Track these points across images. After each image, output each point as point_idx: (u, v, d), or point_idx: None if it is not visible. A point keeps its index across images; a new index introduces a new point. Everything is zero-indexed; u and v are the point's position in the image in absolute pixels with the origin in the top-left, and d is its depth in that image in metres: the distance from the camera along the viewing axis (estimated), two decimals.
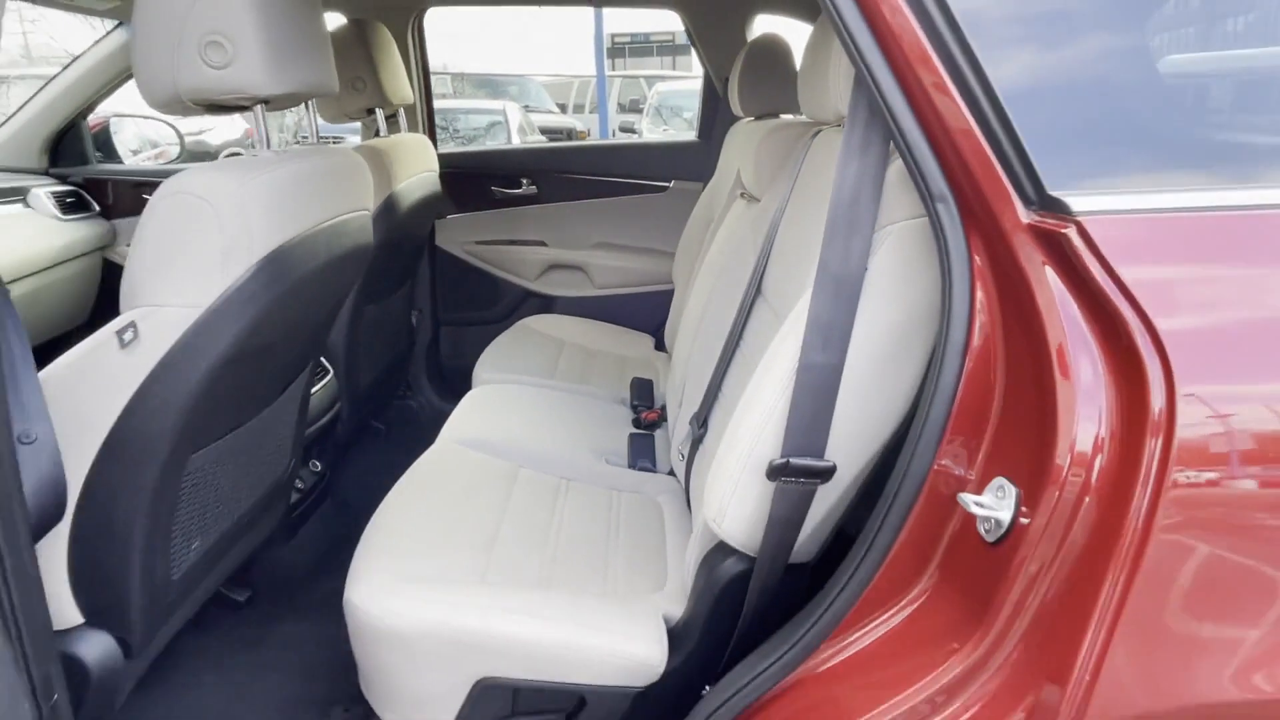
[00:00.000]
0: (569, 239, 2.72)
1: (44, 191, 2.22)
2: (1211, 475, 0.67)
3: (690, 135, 2.80)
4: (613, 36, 13.73)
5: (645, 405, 1.99)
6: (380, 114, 2.13)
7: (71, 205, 2.30)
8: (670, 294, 2.45)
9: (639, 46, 14.82)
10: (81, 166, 2.43)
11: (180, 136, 2.89)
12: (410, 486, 1.42)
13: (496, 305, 2.77)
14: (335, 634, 1.35)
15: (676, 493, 1.56)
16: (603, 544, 1.35)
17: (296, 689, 1.54)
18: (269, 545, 1.65)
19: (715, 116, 2.62)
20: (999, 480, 0.75)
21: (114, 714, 1.17)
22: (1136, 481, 0.66)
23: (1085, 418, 0.68)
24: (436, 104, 2.70)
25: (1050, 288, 0.70)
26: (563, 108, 11.93)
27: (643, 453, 1.70)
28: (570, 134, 9.76)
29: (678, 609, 1.15)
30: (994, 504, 0.75)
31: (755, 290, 1.37)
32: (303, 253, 1.12)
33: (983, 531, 0.77)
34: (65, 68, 2.28)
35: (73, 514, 1.02)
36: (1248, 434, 0.67)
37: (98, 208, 2.40)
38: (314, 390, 1.74)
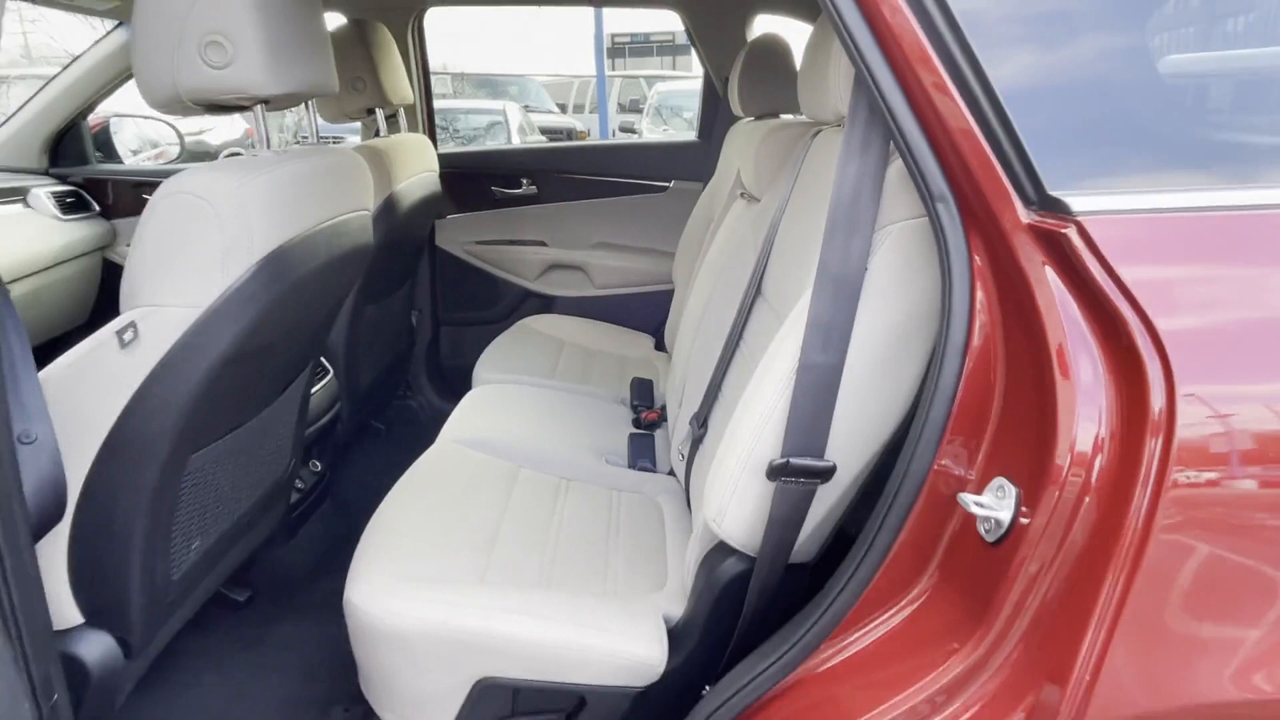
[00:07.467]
0: (569, 239, 2.72)
1: (44, 191, 2.22)
2: (1211, 475, 0.67)
3: (690, 135, 2.80)
4: (613, 36, 13.72)
5: (645, 405, 1.99)
6: (380, 114, 2.13)
7: (71, 205, 2.30)
8: (670, 294, 2.45)
9: (639, 46, 14.81)
10: (81, 166, 2.43)
11: (180, 136, 2.89)
12: (410, 486, 1.42)
13: (496, 305, 2.77)
14: (335, 634, 1.35)
15: (676, 493, 1.56)
16: (603, 544, 1.35)
17: (296, 689, 1.54)
18: (269, 545, 1.65)
19: (715, 116, 2.62)
20: (999, 480, 0.75)
21: (114, 714, 1.17)
22: (1136, 481, 0.66)
23: (1085, 418, 0.68)
24: (436, 104, 2.70)
25: (1050, 288, 0.70)
26: (563, 108, 11.93)
27: (643, 453, 1.70)
28: (570, 134, 9.76)
29: (678, 609, 1.15)
30: (994, 504, 0.75)
31: (755, 290, 1.37)
32: (303, 253, 1.12)
33: (983, 531, 0.77)
34: (65, 68, 2.28)
35: (73, 514, 1.02)
36: (1248, 434, 0.67)
37: (98, 208, 2.40)
38: (314, 390, 1.74)
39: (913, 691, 0.79)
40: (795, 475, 0.92)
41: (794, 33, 2.21)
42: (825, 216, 0.89)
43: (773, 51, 1.98)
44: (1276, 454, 0.67)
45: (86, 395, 1.00)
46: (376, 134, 2.16)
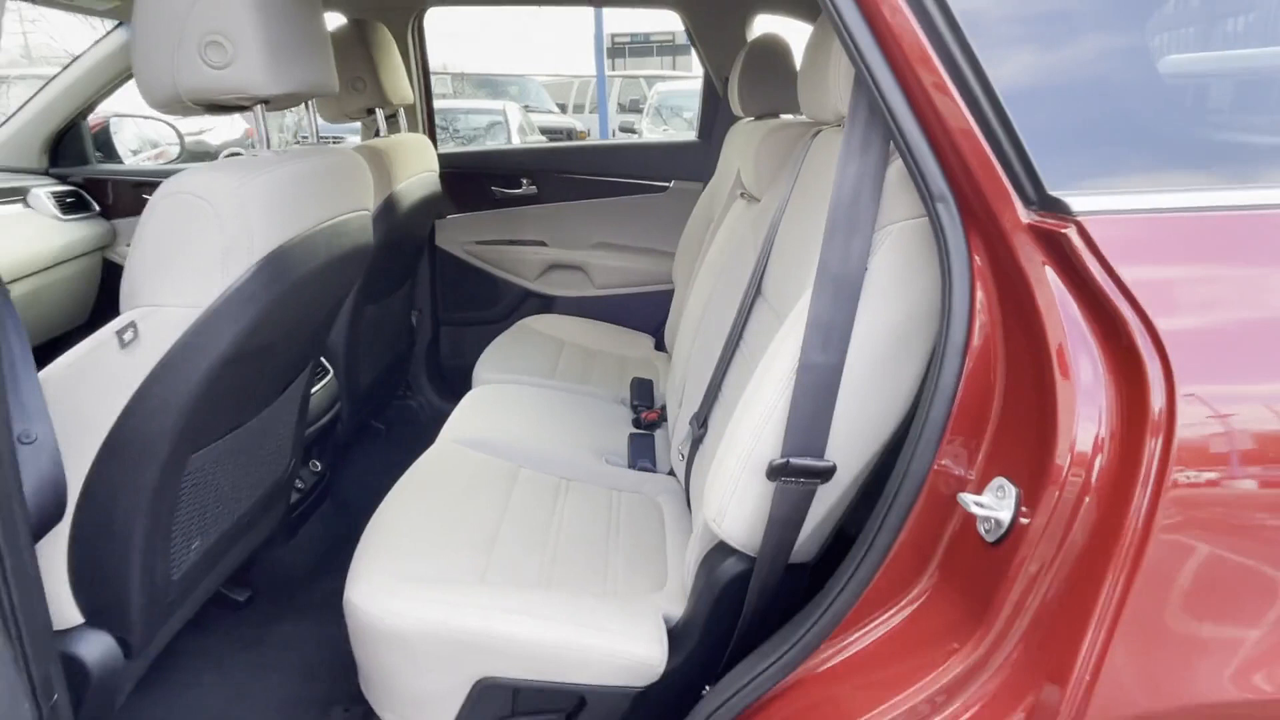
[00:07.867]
0: (569, 239, 2.72)
1: (44, 191, 2.22)
2: (1211, 475, 0.67)
3: (690, 135, 2.80)
4: (613, 36, 13.72)
5: (645, 405, 1.99)
6: (380, 114, 2.13)
7: (71, 205, 2.30)
8: (670, 294, 2.45)
9: (639, 46, 14.81)
10: (81, 166, 2.43)
11: (180, 136, 2.89)
12: (410, 486, 1.42)
13: (496, 305, 2.77)
14: (335, 634, 1.35)
15: (676, 493, 1.56)
16: (603, 544, 1.35)
17: (296, 689, 1.54)
18: (269, 545, 1.65)
19: (715, 116, 2.62)
20: (999, 480, 0.75)
21: (114, 714, 1.17)
22: (1136, 481, 0.66)
23: (1085, 418, 0.68)
24: (436, 104, 2.70)
25: (1050, 288, 0.70)
26: (563, 108, 11.93)
27: (643, 453, 1.70)
28: (570, 134, 9.76)
29: (678, 609, 1.15)
30: (994, 504, 0.75)
31: (755, 290, 1.37)
32: (303, 253, 1.12)
33: (983, 531, 0.77)
34: (65, 68, 2.28)
35: (73, 514, 1.02)
36: (1248, 434, 0.67)
37: (98, 208, 2.40)
38: (314, 390, 1.74)
39: (913, 691, 0.79)
40: (795, 475, 0.92)
41: (794, 33, 2.21)
42: (825, 216, 0.89)
43: (773, 51, 1.98)
44: (1276, 454, 0.67)
45: (86, 395, 1.00)
46: (376, 134, 2.16)
